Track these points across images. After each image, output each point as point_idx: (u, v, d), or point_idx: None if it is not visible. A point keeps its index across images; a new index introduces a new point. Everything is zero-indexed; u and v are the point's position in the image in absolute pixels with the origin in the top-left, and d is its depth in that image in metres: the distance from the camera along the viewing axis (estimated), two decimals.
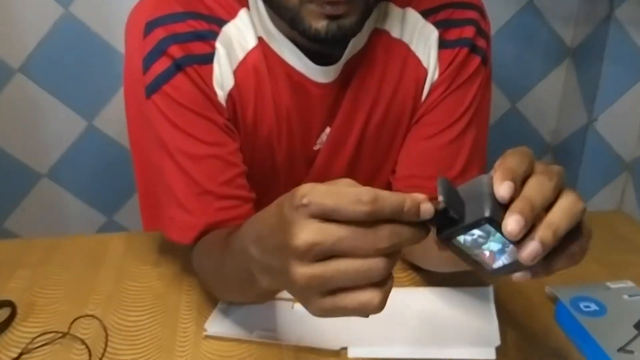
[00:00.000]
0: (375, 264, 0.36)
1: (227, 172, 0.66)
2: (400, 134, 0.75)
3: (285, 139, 0.71)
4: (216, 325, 0.63)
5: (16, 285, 0.72)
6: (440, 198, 0.38)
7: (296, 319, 0.63)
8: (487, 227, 0.38)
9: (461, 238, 0.40)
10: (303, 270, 0.37)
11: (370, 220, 0.36)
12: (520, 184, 0.39)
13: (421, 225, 0.38)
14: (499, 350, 0.57)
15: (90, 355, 0.60)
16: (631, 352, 0.56)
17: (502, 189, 0.38)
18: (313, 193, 0.37)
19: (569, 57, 1.22)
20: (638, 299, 0.64)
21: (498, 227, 0.38)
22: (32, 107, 1.07)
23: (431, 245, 0.42)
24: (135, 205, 0.73)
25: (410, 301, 0.67)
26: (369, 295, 0.37)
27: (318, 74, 0.68)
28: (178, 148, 0.65)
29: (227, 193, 0.66)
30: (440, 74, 0.71)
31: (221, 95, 0.66)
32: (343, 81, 0.69)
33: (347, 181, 0.38)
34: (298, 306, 0.64)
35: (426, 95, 0.72)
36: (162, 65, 0.63)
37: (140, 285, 0.72)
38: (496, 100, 1.19)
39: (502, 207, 0.38)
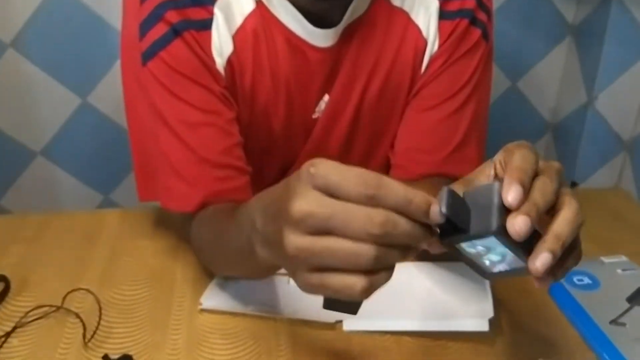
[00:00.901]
0: (364, 250, 0.36)
1: (224, 141, 0.66)
2: (399, 106, 0.74)
3: (283, 106, 0.70)
4: (212, 298, 0.64)
5: (10, 260, 0.72)
6: (443, 209, 0.37)
7: (291, 293, 0.63)
8: (492, 239, 0.38)
9: (463, 245, 0.40)
10: (294, 239, 0.37)
11: (370, 204, 0.36)
12: (529, 186, 0.38)
13: (424, 226, 0.38)
14: (492, 322, 0.57)
15: (84, 328, 0.60)
16: (623, 324, 0.56)
17: (511, 195, 0.37)
18: (321, 165, 0.37)
19: (570, 35, 1.21)
20: (631, 273, 0.64)
21: (504, 240, 0.38)
22: (24, 84, 1.06)
23: None
24: (131, 183, 0.73)
25: (405, 275, 0.67)
26: (353, 280, 0.37)
27: (317, 37, 0.67)
28: (174, 116, 0.64)
29: (225, 162, 0.66)
30: (440, 45, 0.70)
31: (219, 62, 0.65)
32: (342, 46, 0.69)
33: (359, 168, 0.38)
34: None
35: (425, 67, 0.72)
36: (159, 31, 0.63)
37: (135, 260, 0.72)
38: (496, 78, 1.18)
39: (507, 211, 0.38)
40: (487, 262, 0.41)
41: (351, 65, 0.70)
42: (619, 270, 0.64)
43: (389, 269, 0.38)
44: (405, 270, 0.68)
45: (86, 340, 0.58)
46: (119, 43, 0.68)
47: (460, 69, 0.71)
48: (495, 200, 0.38)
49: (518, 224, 0.37)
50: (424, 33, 0.70)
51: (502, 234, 0.37)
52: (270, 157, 0.76)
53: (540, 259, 0.37)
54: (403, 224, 0.36)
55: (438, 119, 0.72)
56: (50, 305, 0.63)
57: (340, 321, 0.59)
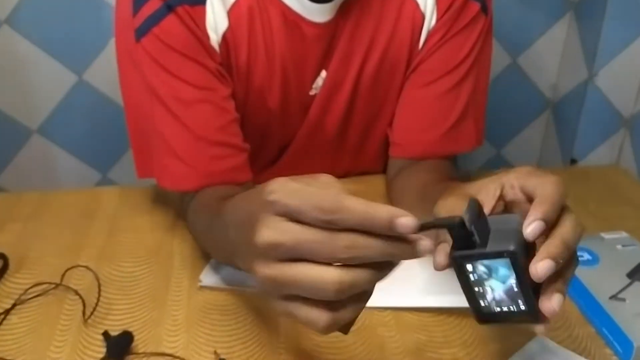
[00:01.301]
0: (328, 284, 0.34)
1: (220, 118, 0.65)
2: (397, 82, 0.73)
3: (279, 83, 0.70)
4: (211, 276, 0.64)
5: (7, 238, 0.71)
6: (466, 219, 0.37)
7: None
8: (505, 262, 0.37)
9: (471, 266, 0.39)
10: (262, 269, 0.36)
11: (332, 228, 0.34)
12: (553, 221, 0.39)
13: (397, 240, 0.35)
14: None
15: (84, 305, 0.60)
16: (623, 299, 0.56)
17: (531, 230, 0.37)
18: (281, 191, 0.35)
19: (571, 10, 1.19)
20: (631, 249, 0.64)
21: (517, 265, 0.37)
22: (19, 61, 1.04)
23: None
24: (129, 161, 0.72)
25: None
26: (316, 314, 0.36)
27: (313, 12, 0.66)
28: (168, 93, 0.63)
29: (221, 140, 0.65)
30: (438, 20, 0.69)
31: (214, 38, 0.64)
32: (339, 22, 0.68)
33: (325, 178, 0.37)
34: None
35: (423, 42, 0.71)
36: (152, 6, 0.62)
37: (133, 237, 0.72)
38: (496, 54, 1.17)
39: (527, 244, 0.38)
40: (487, 290, 0.39)
41: (348, 40, 0.69)
42: (618, 246, 0.64)
43: (358, 304, 0.37)
44: None
45: (86, 317, 0.58)
46: (113, 20, 0.67)
47: (458, 43, 0.70)
48: (515, 226, 0.38)
49: (542, 268, 0.36)
50: (422, 7, 0.69)
51: (517, 259, 0.37)
52: (268, 135, 0.75)
53: (556, 300, 0.38)
54: (371, 243, 0.34)
55: (436, 95, 0.72)
56: (50, 283, 0.63)
57: None
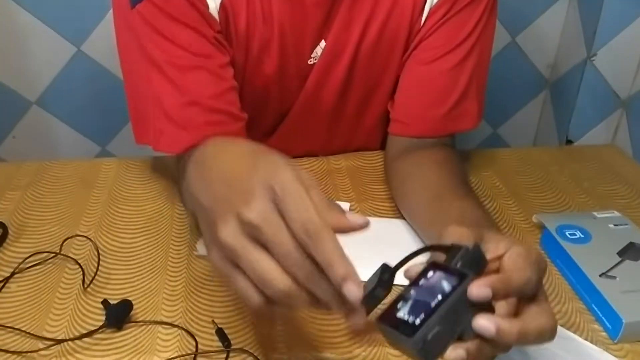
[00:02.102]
0: (278, 286, 0.36)
1: (216, 86, 0.65)
2: (395, 55, 0.73)
3: (277, 49, 0.69)
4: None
5: (6, 206, 0.72)
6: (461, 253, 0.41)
7: None
8: (449, 278, 0.40)
9: (432, 272, 0.41)
10: (230, 235, 0.37)
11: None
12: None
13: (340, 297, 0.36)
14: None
15: (83, 274, 0.60)
16: (613, 277, 0.57)
17: (476, 292, 0.39)
18: (288, 185, 0.36)
19: None
20: (623, 227, 0.64)
21: (456, 288, 0.39)
22: (18, 32, 1.04)
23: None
24: (128, 133, 0.72)
25: (394, 227, 0.68)
26: (252, 294, 0.38)
27: None
28: (164, 58, 0.63)
29: (216, 106, 0.65)
30: None
31: (212, 6, 0.64)
32: None
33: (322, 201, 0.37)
34: None
35: (425, 18, 0.70)
36: None
37: (132, 207, 0.72)
38: (495, 33, 1.16)
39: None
40: (413, 295, 0.40)
41: (347, 10, 0.68)
42: (610, 225, 0.65)
43: (288, 311, 0.40)
44: (394, 224, 0.69)
45: (85, 285, 0.59)
46: None
47: (462, 20, 0.70)
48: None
49: (479, 290, 0.38)
50: None
51: (463, 283, 0.39)
52: (265, 104, 0.75)
53: (455, 351, 0.38)
54: (323, 286, 0.36)
55: (439, 73, 0.71)
56: (49, 252, 0.63)
57: None
